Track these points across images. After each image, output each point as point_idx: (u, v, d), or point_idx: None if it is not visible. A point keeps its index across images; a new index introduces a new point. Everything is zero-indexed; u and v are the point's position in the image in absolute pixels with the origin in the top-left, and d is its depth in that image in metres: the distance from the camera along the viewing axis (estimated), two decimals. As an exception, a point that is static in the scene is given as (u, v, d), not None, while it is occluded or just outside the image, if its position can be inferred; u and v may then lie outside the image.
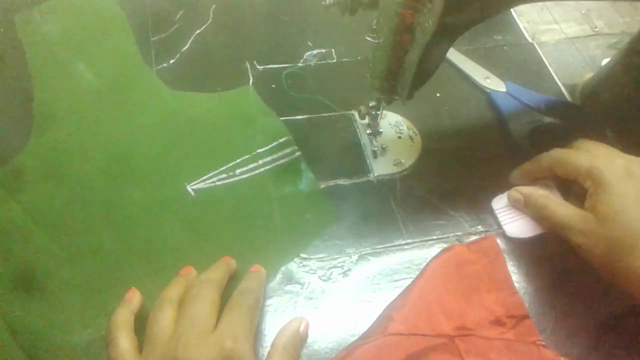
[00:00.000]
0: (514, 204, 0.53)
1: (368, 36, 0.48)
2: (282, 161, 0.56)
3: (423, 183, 0.56)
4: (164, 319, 0.40)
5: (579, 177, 0.47)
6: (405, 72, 0.48)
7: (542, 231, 0.51)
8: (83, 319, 0.45)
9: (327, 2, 0.47)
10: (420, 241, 0.52)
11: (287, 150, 0.57)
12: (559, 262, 0.51)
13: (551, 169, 0.50)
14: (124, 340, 0.41)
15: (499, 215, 0.53)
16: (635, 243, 0.41)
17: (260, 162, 0.55)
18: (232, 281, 0.47)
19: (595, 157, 0.47)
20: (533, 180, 0.53)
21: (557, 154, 0.50)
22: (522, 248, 0.52)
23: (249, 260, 0.49)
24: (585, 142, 0.50)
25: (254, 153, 0.56)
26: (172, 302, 0.42)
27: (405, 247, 0.52)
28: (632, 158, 0.46)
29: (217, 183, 0.54)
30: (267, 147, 0.57)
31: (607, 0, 0.79)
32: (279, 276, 0.49)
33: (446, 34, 0.44)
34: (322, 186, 0.55)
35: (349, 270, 0.50)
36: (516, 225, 0.52)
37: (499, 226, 0.53)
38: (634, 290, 0.42)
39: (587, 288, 0.50)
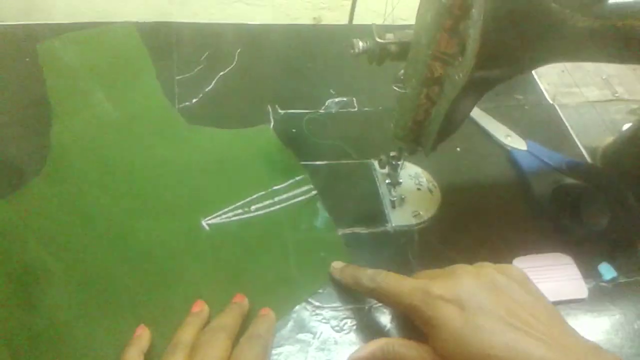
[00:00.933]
0: None
1: (395, 85, 0.48)
2: (298, 199, 0.56)
3: (441, 236, 0.55)
4: None
5: (407, 312, 0.42)
6: (431, 124, 0.48)
7: (567, 298, 0.50)
8: (91, 350, 0.44)
9: (356, 50, 0.48)
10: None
11: (304, 189, 0.57)
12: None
13: (372, 293, 0.44)
14: None
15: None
16: None
17: (276, 199, 0.55)
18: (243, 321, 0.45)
19: (417, 290, 0.41)
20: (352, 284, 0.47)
21: (385, 279, 0.43)
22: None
23: (261, 297, 0.48)
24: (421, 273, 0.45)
25: (270, 190, 0.56)
26: (185, 346, 0.41)
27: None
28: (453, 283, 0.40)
29: (233, 218, 0.53)
30: (283, 185, 0.56)
31: (628, 65, 0.80)
32: (290, 323, 0.48)
33: (476, 88, 0.44)
34: (339, 233, 0.54)
35: (362, 321, 0.48)
36: (540, 287, 0.50)
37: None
38: None
39: None
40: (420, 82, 0.45)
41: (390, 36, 0.46)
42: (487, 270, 0.41)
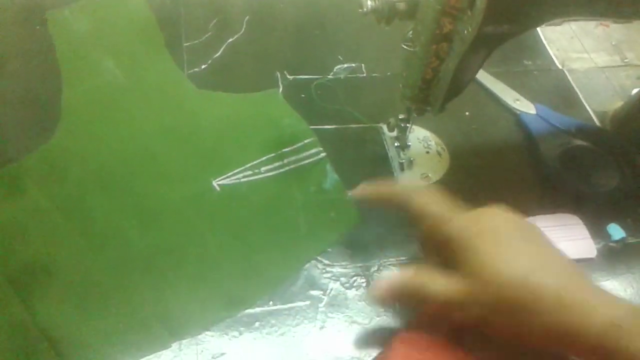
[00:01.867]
0: (380, 300, 0.41)
1: (404, 44, 0.48)
2: (307, 161, 0.56)
3: (450, 198, 0.56)
4: None
5: (436, 231, 0.41)
6: (440, 82, 0.48)
7: (576, 257, 0.50)
8: (105, 308, 0.45)
9: (364, 10, 0.48)
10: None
11: (312, 151, 0.57)
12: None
13: (401, 204, 0.43)
14: None
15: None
16: (525, 300, 0.35)
17: (285, 161, 0.56)
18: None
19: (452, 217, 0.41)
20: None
21: (422, 196, 0.43)
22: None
23: (272, 256, 0.49)
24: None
25: (280, 152, 0.56)
26: None
27: (431, 260, 0.51)
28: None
29: (243, 180, 0.54)
30: (292, 147, 0.57)
31: (638, 30, 0.79)
32: (300, 281, 0.48)
33: (484, 43, 0.44)
34: (348, 195, 0.54)
35: (372, 279, 0.49)
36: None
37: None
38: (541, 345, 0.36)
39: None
40: (429, 39, 0.45)
41: (398, -6, 0.46)
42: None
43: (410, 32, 0.48)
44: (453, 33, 0.44)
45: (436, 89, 0.49)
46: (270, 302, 0.47)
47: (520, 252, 0.37)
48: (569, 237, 0.53)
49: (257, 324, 0.46)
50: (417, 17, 0.46)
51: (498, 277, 0.35)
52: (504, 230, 0.38)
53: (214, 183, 0.53)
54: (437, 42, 0.45)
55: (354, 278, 0.49)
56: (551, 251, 0.38)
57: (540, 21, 0.48)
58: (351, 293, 0.48)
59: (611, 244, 0.55)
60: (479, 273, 0.36)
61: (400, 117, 0.57)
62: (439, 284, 0.38)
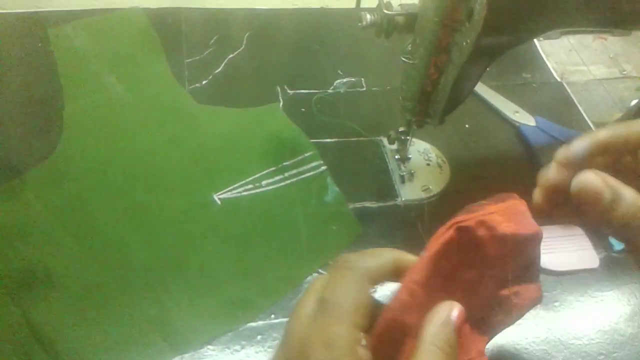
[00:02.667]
0: (588, 197, 0.31)
1: (403, 57, 0.49)
2: (307, 174, 0.56)
3: (452, 210, 0.55)
4: None
5: None
6: (440, 94, 0.48)
7: (579, 267, 0.50)
8: (105, 320, 0.45)
9: (364, 23, 0.48)
10: (449, 266, 0.51)
11: (313, 164, 0.57)
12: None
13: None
14: None
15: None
16: None
17: (286, 174, 0.56)
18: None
19: None
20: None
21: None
22: (554, 281, 0.51)
23: (273, 269, 0.49)
24: None
25: (280, 166, 0.56)
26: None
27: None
28: None
29: (244, 193, 0.54)
30: (293, 160, 0.57)
31: (635, 43, 0.80)
32: (302, 294, 0.48)
33: (483, 55, 0.45)
34: (349, 207, 0.54)
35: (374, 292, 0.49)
36: (552, 257, 0.51)
37: (530, 256, 0.52)
38: None
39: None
40: (428, 51, 0.45)
41: (397, 8, 0.47)
42: None
43: (410, 45, 0.48)
44: (452, 45, 0.44)
45: (436, 101, 0.49)
46: (272, 315, 0.47)
47: None
48: (571, 247, 0.53)
49: (259, 337, 0.45)
50: (415, 29, 0.46)
51: None
52: None
53: (215, 197, 0.53)
54: (436, 54, 0.45)
55: (356, 290, 0.49)
56: None
57: (538, 32, 0.48)
58: (353, 305, 0.47)
59: (613, 254, 0.55)
60: None
61: (400, 130, 0.57)
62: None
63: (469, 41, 0.42)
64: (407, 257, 0.33)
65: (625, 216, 0.30)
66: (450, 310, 0.30)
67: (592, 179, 0.31)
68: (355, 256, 0.32)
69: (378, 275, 0.31)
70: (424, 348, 0.28)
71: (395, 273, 0.32)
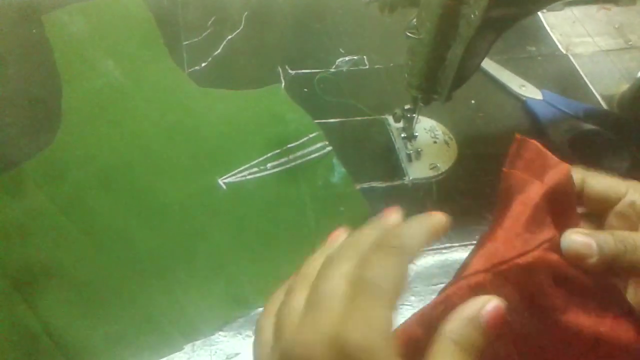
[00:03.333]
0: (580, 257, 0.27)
1: (408, 32, 0.47)
2: (313, 156, 0.55)
3: (460, 187, 0.55)
4: None
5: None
6: (447, 69, 0.47)
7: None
8: (113, 310, 0.44)
9: (367, -1, 0.47)
10: (459, 245, 0.50)
11: (318, 145, 0.56)
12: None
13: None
14: None
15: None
16: None
17: (291, 156, 0.55)
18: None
19: None
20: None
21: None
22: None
23: (282, 253, 0.48)
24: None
25: (285, 148, 0.55)
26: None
27: (444, 250, 0.50)
28: None
29: (249, 177, 0.53)
30: (297, 142, 0.56)
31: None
32: (313, 277, 0.47)
33: (491, 27, 0.43)
34: (357, 188, 0.54)
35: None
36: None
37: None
38: None
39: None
40: (435, 25, 0.44)
41: (401, -19, 0.45)
42: None
43: (414, 19, 0.47)
44: (459, 18, 0.43)
45: (443, 76, 0.48)
46: (283, 299, 0.46)
47: None
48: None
49: (270, 322, 0.45)
50: (421, 3, 0.45)
51: None
52: None
53: (220, 181, 0.52)
54: (443, 28, 0.44)
55: (367, 272, 0.48)
56: None
57: (546, 3, 0.47)
58: (365, 287, 0.47)
59: None
60: None
61: (406, 108, 0.56)
62: None
63: (477, 13, 0.41)
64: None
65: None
66: (484, 304, 0.25)
67: (572, 238, 0.27)
68: (403, 230, 0.28)
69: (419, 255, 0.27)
70: (440, 341, 0.25)
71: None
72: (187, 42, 0.66)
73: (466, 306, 0.25)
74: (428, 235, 0.28)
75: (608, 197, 0.31)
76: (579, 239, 0.27)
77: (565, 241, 0.27)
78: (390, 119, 0.59)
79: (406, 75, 0.51)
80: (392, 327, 0.25)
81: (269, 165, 0.54)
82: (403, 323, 0.28)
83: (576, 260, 0.26)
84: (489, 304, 0.25)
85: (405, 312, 0.44)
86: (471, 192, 0.54)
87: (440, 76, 0.48)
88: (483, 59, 0.48)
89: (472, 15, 0.41)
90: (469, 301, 0.26)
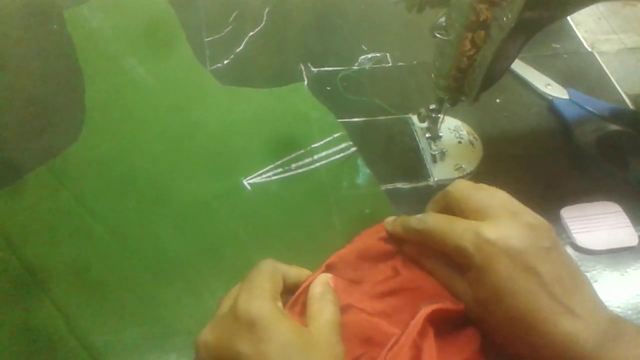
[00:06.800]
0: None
1: (437, 33, 0.47)
2: (337, 156, 0.55)
3: (486, 189, 0.54)
4: None
5: (454, 254, 0.39)
6: (476, 70, 0.46)
7: (617, 246, 0.49)
8: (141, 311, 0.44)
9: (396, -1, 0.46)
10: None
11: (342, 146, 0.56)
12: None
13: (420, 235, 0.41)
14: None
15: (569, 224, 0.51)
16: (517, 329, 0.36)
17: (315, 157, 0.54)
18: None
19: (468, 231, 0.38)
20: None
21: (435, 219, 0.41)
22: (593, 260, 0.50)
23: (306, 253, 0.48)
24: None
25: (309, 148, 0.55)
26: None
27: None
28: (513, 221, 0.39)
29: (273, 177, 0.53)
30: (321, 142, 0.56)
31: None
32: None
33: (523, 30, 0.43)
34: (381, 189, 0.53)
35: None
36: (590, 236, 0.50)
37: (569, 235, 0.50)
38: None
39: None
40: (464, 27, 0.43)
41: (431, -19, 0.45)
42: (535, 222, 0.39)
43: (442, 18, 0.46)
44: (491, 20, 0.42)
45: (472, 78, 0.47)
46: (308, 301, 0.46)
47: (528, 290, 0.36)
48: (610, 226, 0.52)
49: (296, 324, 0.45)
50: (451, 4, 0.44)
51: (501, 307, 0.36)
52: (524, 261, 0.36)
53: (245, 182, 0.52)
54: (473, 29, 0.43)
55: (392, 275, 0.48)
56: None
57: (578, 7, 0.46)
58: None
59: (652, 231, 0.53)
60: (484, 297, 0.37)
61: (431, 108, 0.55)
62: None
63: (510, 16, 0.40)
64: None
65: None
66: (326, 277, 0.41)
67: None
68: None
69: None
70: (312, 297, 0.39)
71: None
72: (209, 39, 0.66)
73: (319, 278, 0.41)
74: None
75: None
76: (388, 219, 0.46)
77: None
78: (414, 118, 0.59)
79: (433, 76, 0.50)
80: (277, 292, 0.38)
81: (293, 165, 0.54)
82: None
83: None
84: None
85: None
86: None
87: (468, 78, 0.48)
88: (513, 61, 0.47)
89: (504, 18, 0.41)
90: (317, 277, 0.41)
